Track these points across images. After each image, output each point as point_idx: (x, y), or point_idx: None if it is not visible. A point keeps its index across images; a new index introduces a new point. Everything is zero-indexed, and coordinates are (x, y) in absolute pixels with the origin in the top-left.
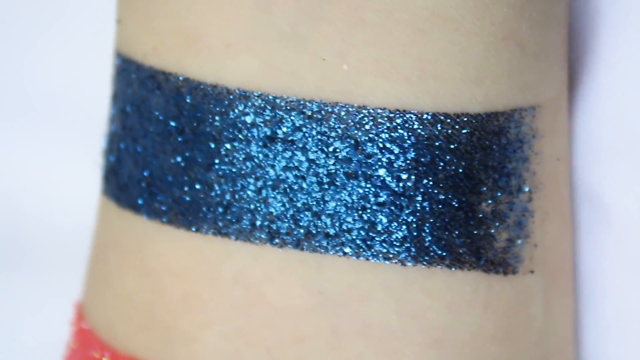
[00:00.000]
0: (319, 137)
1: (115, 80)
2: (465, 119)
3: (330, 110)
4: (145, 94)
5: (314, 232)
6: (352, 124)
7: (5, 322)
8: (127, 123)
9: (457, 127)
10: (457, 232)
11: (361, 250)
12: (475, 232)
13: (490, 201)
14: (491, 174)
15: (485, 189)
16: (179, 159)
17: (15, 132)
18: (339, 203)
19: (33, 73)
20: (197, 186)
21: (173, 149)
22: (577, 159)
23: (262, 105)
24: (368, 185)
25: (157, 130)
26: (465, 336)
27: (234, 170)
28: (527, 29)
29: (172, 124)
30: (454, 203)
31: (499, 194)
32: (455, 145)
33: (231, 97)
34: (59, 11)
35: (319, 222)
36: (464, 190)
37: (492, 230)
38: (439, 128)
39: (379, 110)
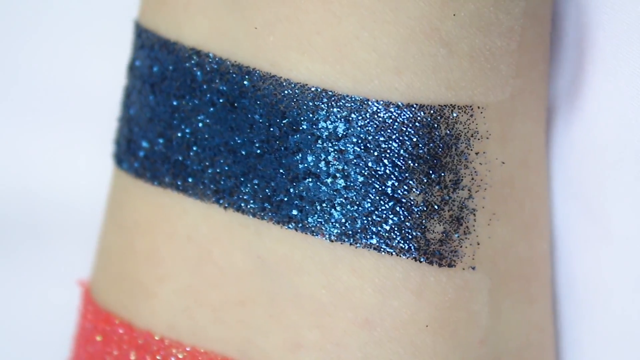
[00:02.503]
0: (258, 101)
1: (135, 53)
2: (386, 106)
3: (260, 80)
4: (135, 53)
5: (249, 196)
6: (274, 95)
7: (13, 302)
8: (129, 86)
9: (375, 114)
10: (382, 216)
11: (292, 221)
12: (403, 219)
13: (418, 191)
14: (421, 165)
15: (413, 178)
16: (147, 114)
17: (25, 120)
18: (272, 172)
19: (42, 63)
20: (160, 140)
21: (145, 105)
22: (575, 169)
23: (214, 67)
24: (288, 155)
25: (138, 87)
26: (396, 322)
27: (188, 129)
28: (452, 27)
29: (147, 80)
30: (378, 187)
31: (430, 186)
32: (379, 130)
33: (188, 54)
34: (69, 4)
35: (258, 187)
36: (390, 176)
37: (423, 221)
38: (361, 112)
39: (304, 87)
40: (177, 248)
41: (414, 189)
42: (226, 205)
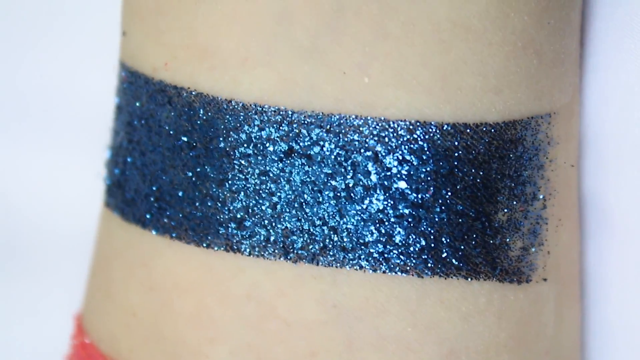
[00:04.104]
0: (337, 150)
1: (120, 92)
2: (484, 129)
3: (349, 123)
4: (155, 108)
5: (330, 246)
6: (371, 136)
7: (1, 328)
8: (135, 137)
9: (476, 137)
10: (473, 243)
11: (378, 263)
12: (491, 241)
13: (506, 210)
14: (507, 183)
15: (501, 198)
16: (189, 174)
17: (14, 136)
18: (356, 217)
19: (31, 77)
20: (209, 202)
21: (184, 164)
22: (583, 164)
23: (279, 119)
24: (387, 198)
25: (167, 145)
26: (479, 346)
27: (248, 185)
28: (545, 36)
29: (184, 138)
30: (471, 213)
31: (514, 203)
32: (474, 155)
33: (247, 112)
34: (60, 15)
35: (336, 236)
36: (481, 200)
37: (507, 239)
38: (459, 138)
39: (400, 122)
40: (232, 308)
41: (500, 209)
42: (297, 259)
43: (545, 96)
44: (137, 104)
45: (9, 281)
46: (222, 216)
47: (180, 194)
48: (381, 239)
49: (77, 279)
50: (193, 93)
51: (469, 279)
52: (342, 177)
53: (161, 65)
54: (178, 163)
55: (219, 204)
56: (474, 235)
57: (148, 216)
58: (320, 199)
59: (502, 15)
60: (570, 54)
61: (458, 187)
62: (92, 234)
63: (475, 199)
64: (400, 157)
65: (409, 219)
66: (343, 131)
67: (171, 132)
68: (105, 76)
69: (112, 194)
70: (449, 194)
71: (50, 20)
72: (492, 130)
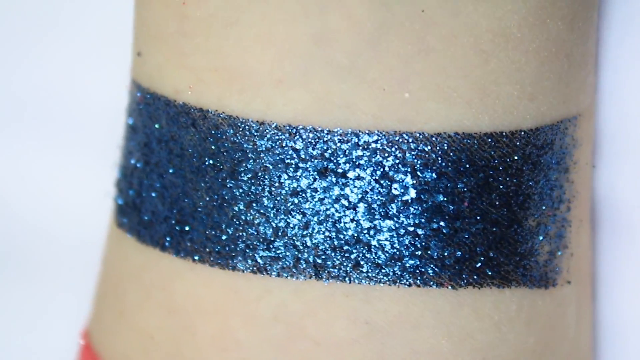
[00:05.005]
0: (373, 167)
1: (135, 112)
2: (519, 136)
3: (387, 139)
4: (176, 131)
5: (363, 263)
6: (409, 151)
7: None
8: (152, 159)
9: (511, 145)
10: (505, 251)
11: (413, 277)
12: (522, 248)
13: (535, 215)
14: (538, 188)
15: (532, 203)
16: (215, 196)
17: (14, 136)
18: (391, 232)
19: (31, 78)
20: (236, 224)
21: (208, 187)
22: (599, 164)
23: (314, 139)
24: (423, 212)
25: (190, 168)
26: (510, 354)
27: (278, 205)
28: (574, 39)
29: (209, 161)
30: (504, 221)
31: (543, 207)
32: (509, 163)
33: (279, 133)
34: (60, 15)
35: (369, 252)
36: (513, 207)
37: (537, 245)
38: (495, 148)
39: (439, 136)
40: (258, 330)
41: (531, 215)
42: (329, 278)
43: (573, 99)
44: (156, 126)
45: (6, 285)
46: (249, 238)
47: (204, 216)
48: (416, 252)
49: (77, 281)
50: (221, 115)
51: (501, 287)
52: (378, 193)
53: (185, 87)
54: (202, 186)
55: (247, 226)
56: (507, 243)
57: (168, 239)
58: (355, 216)
59: (539, 23)
60: (592, 54)
61: (493, 195)
62: (92, 236)
63: (509, 207)
64: (439, 171)
65: (445, 232)
66: (380, 147)
67: (195, 155)
68: (106, 77)
69: (126, 215)
70: (484, 203)
71: (50, 21)
72: (526, 137)
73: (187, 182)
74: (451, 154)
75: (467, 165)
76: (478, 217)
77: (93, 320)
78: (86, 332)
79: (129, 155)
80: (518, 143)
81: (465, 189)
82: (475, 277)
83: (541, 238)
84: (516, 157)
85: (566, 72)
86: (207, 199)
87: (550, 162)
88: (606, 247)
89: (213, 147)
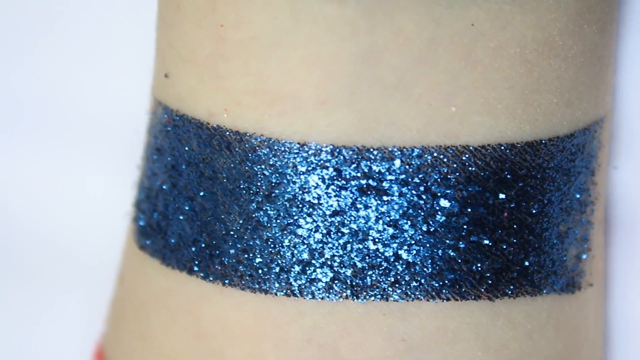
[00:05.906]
0: (416, 183)
1: (161, 134)
2: (556, 142)
3: (431, 154)
4: (209, 153)
5: (402, 280)
6: (454, 165)
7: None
8: (180, 181)
9: (548, 152)
10: (540, 259)
11: (451, 292)
12: (553, 254)
13: (567, 220)
14: (569, 194)
15: (564, 209)
16: (249, 220)
17: (14, 137)
18: (432, 247)
19: (31, 79)
20: (270, 247)
21: (242, 210)
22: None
23: (357, 158)
24: (465, 225)
25: (223, 191)
26: None
27: (317, 227)
28: (605, 42)
29: (244, 184)
30: (539, 230)
31: (573, 212)
32: (546, 170)
33: (322, 153)
34: (62, 15)
35: (409, 269)
36: (549, 214)
37: (566, 249)
38: (534, 156)
39: (484, 148)
40: (290, 353)
41: (562, 220)
42: (366, 297)
43: (601, 101)
44: (186, 148)
45: (6, 288)
46: (284, 261)
47: (236, 240)
48: (456, 266)
49: (78, 285)
50: (259, 138)
51: (534, 295)
52: (420, 209)
53: (220, 110)
54: (235, 209)
55: (282, 249)
56: (541, 252)
57: (196, 262)
58: (395, 233)
59: (577, 29)
60: (613, 53)
61: (531, 204)
62: (92, 238)
63: (545, 214)
64: (482, 183)
65: (485, 244)
66: (424, 163)
67: (228, 178)
68: (106, 79)
69: (149, 237)
70: (523, 213)
71: (50, 21)
72: (563, 143)
73: (219, 205)
74: (494, 165)
75: (509, 176)
76: (516, 227)
77: (109, 340)
78: (100, 351)
79: (154, 177)
80: (554, 150)
81: (506, 200)
82: (511, 287)
83: (569, 243)
84: (552, 165)
85: (597, 75)
86: (241, 222)
87: (581, 165)
88: (621, 248)
89: (248, 170)
